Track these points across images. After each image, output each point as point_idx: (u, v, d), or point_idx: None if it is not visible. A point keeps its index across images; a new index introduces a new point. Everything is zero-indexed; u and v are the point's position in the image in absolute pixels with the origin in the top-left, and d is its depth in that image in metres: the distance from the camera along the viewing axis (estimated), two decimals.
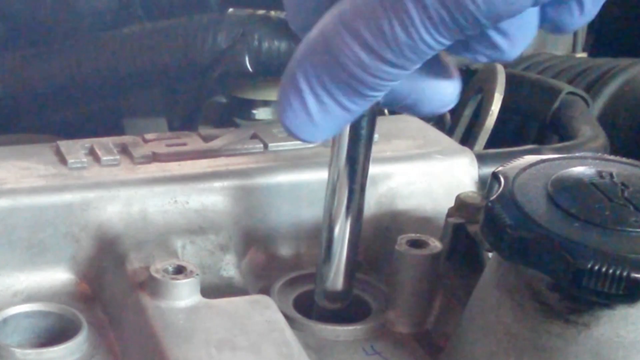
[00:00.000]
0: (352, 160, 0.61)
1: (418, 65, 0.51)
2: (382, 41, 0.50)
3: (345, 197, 0.62)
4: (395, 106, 0.58)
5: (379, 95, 0.53)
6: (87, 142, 0.75)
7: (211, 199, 0.70)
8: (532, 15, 0.52)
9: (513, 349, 0.55)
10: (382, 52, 0.50)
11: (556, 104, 0.96)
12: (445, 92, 0.57)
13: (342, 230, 0.63)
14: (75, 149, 0.73)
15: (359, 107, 0.53)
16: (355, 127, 0.60)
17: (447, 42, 0.50)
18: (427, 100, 0.57)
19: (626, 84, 1.06)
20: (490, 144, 0.95)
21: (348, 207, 0.62)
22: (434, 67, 0.56)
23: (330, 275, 0.64)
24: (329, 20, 0.52)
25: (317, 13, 0.53)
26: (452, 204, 0.68)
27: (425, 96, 0.57)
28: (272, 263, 0.72)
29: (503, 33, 0.52)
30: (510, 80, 0.99)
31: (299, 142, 0.76)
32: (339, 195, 0.62)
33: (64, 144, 0.74)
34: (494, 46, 0.52)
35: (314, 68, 0.52)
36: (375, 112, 0.60)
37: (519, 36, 0.52)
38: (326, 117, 0.54)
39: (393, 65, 0.51)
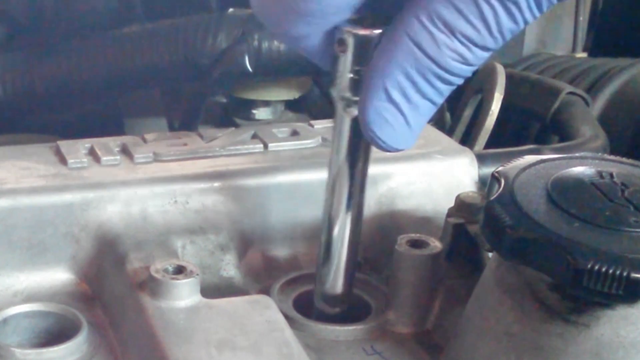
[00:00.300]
0: (351, 159, 0.61)
1: None
2: (485, 32, 0.51)
3: (344, 198, 0.61)
4: None
5: (462, 81, 0.55)
6: (87, 142, 0.75)
7: (211, 199, 0.70)
8: None
9: (513, 349, 0.55)
10: (484, 42, 0.52)
11: (556, 104, 0.96)
12: None
13: (342, 232, 0.62)
14: (75, 149, 0.73)
15: (445, 97, 0.55)
16: (354, 127, 0.59)
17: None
18: None
19: (626, 84, 1.06)
20: (490, 144, 0.95)
21: (348, 208, 0.62)
22: None
23: (330, 278, 0.64)
24: (408, 24, 0.53)
25: None
26: (452, 204, 0.68)
27: None
28: (272, 263, 0.72)
29: None
30: (510, 80, 0.99)
31: (299, 142, 0.76)
32: (338, 195, 0.61)
33: (64, 144, 0.74)
34: None
35: (406, 73, 0.53)
36: None
37: None
38: (420, 119, 0.55)
39: (488, 49, 0.52)
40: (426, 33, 0.52)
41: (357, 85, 0.57)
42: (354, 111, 0.57)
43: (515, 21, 0.52)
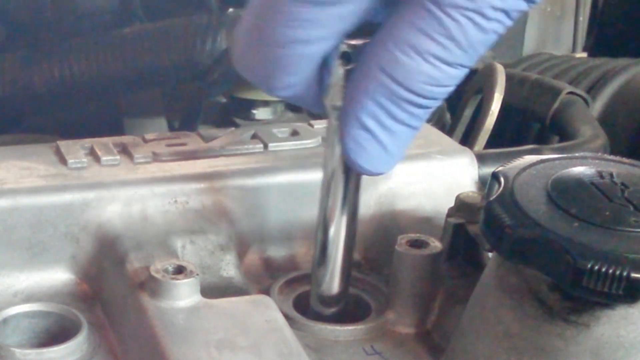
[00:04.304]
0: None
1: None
2: (454, 48, 0.51)
3: (340, 197, 0.61)
4: None
5: (439, 103, 0.55)
6: (87, 142, 0.75)
7: (211, 199, 0.70)
8: None
9: (513, 349, 0.55)
10: (456, 59, 0.52)
11: (556, 104, 0.96)
12: None
13: (337, 233, 0.62)
14: (75, 149, 0.73)
15: (423, 120, 0.55)
16: None
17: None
18: None
19: (626, 84, 1.06)
20: (490, 144, 0.95)
21: (343, 207, 0.62)
22: None
23: (325, 279, 0.64)
24: (376, 53, 0.53)
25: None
26: (452, 204, 0.68)
27: None
28: (272, 263, 0.72)
29: None
30: (510, 80, 0.99)
31: (299, 142, 0.76)
32: (333, 195, 0.61)
33: (64, 144, 0.74)
34: None
35: (377, 101, 0.54)
36: None
37: None
38: (399, 143, 0.56)
39: (463, 66, 0.52)
40: (393, 60, 0.52)
41: None
42: None
43: (484, 31, 0.51)
